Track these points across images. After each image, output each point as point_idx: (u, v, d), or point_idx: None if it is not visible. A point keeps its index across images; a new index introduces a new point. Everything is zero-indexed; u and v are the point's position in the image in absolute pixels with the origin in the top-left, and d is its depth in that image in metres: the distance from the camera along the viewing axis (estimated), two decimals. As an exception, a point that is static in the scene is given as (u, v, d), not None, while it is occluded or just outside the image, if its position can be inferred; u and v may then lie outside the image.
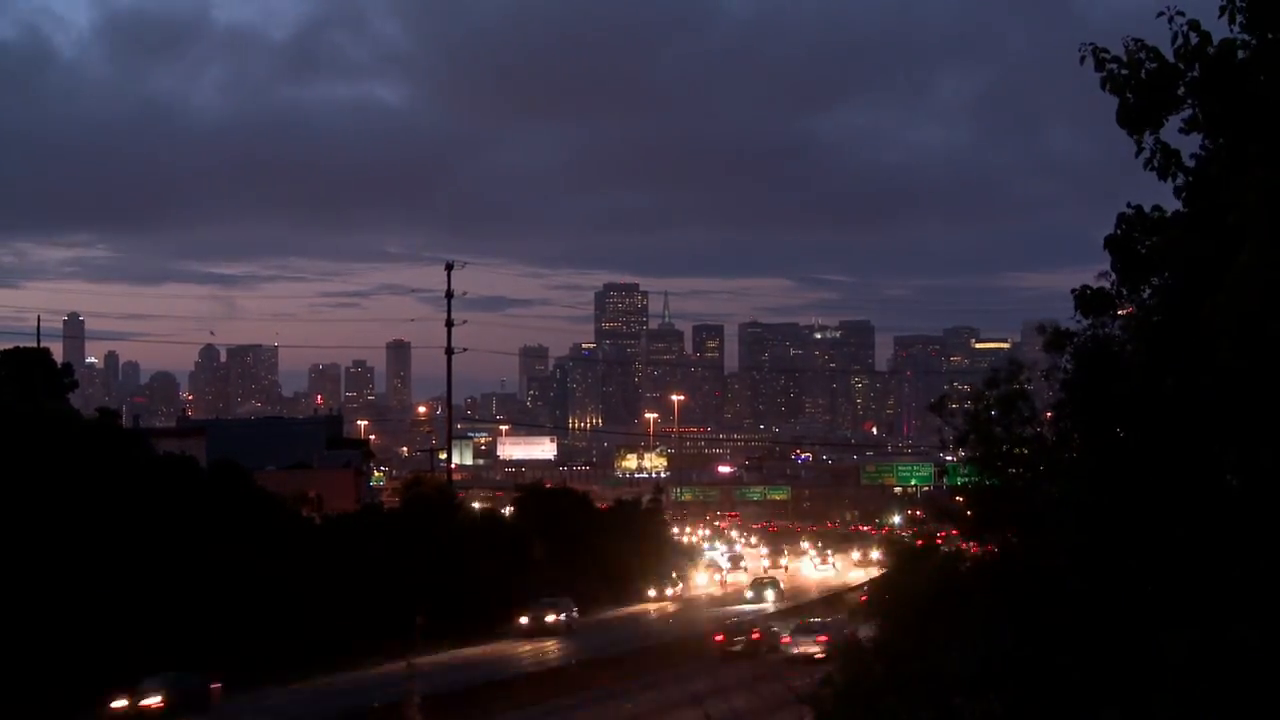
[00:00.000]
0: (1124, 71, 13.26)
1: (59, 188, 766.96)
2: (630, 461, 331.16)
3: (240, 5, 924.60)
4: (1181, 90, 13.17)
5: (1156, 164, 13.38)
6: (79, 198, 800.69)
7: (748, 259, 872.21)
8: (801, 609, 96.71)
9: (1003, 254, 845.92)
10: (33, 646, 58.00)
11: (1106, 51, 13.36)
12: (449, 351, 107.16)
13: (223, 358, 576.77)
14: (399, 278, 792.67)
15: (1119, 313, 15.25)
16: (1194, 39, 12.98)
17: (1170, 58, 13.15)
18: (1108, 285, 14.67)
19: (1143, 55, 13.19)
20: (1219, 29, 13.10)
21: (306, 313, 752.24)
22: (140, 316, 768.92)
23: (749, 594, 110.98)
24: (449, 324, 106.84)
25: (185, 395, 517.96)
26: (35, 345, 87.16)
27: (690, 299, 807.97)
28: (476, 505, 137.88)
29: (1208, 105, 13.10)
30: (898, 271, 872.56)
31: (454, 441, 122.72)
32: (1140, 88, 13.19)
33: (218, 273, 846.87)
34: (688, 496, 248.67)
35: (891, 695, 21.50)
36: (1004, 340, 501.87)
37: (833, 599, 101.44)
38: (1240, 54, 13.01)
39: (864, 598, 58.95)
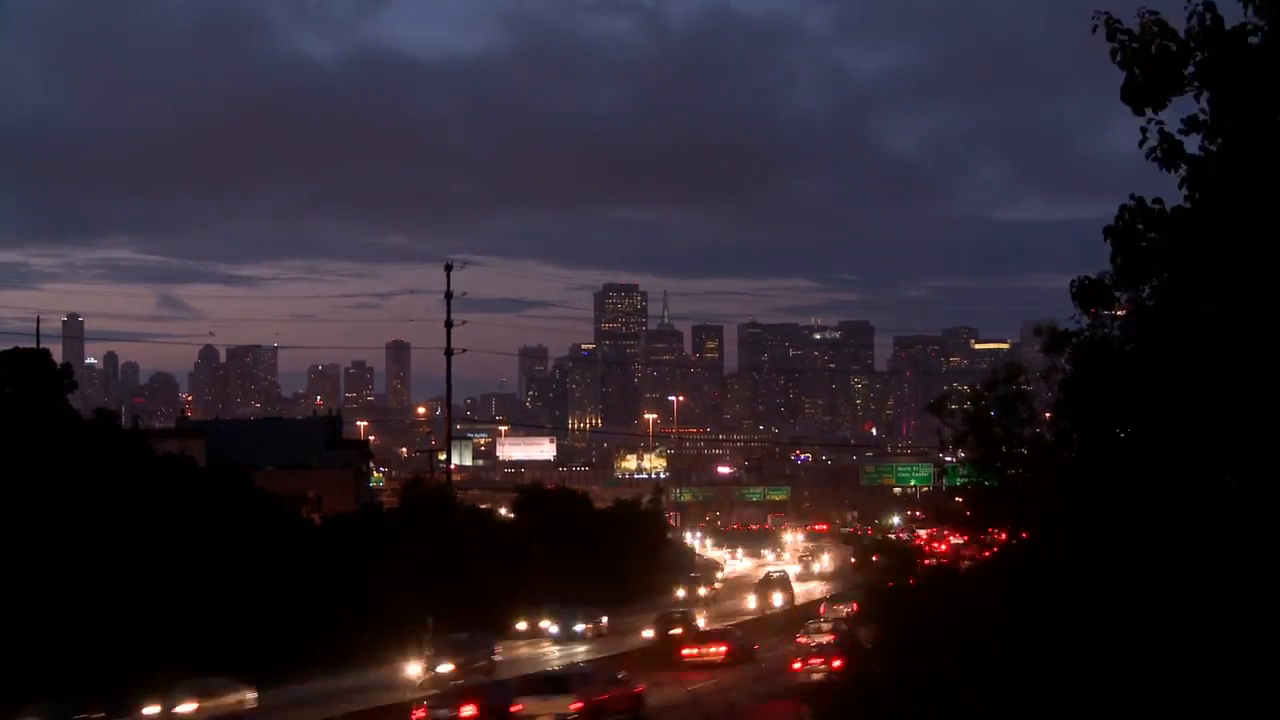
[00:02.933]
0: (1135, 45, 13.13)
1: (91, 189, 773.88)
2: (630, 462, 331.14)
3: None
4: (1190, 71, 13.07)
5: (1160, 155, 13.31)
6: (109, 200, 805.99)
7: (767, 259, 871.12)
8: None
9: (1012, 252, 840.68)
10: (31, 646, 57.98)
11: (1119, 22, 13.23)
12: (448, 352, 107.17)
13: (222, 358, 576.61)
14: (425, 278, 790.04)
15: (1118, 312, 15.21)
16: (1208, 20, 12.87)
17: (1183, 37, 13.04)
18: (1106, 279, 14.60)
19: (1156, 29, 13.05)
20: (1233, 14, 13.01)
21: (328, 314, 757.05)
22: (162, 318, 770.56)
23: None
24: (448, 324, 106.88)
25: (184, 396, 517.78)
26: (35, 346, 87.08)
27: (709, 300, 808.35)
28: (482, 506, 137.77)
29: (1215, 88, 13.00)
30: (916, 271, 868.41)
31: (453, 442, 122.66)
32: (1149, 64, 13.06)
33: (241, 274, 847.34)
34: (687, 497, 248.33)
35: (891, 695, 21.50)
36: (1003, 341, 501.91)
37: None
38: (1252, 40, 12.93)
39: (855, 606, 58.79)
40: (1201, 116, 13.24)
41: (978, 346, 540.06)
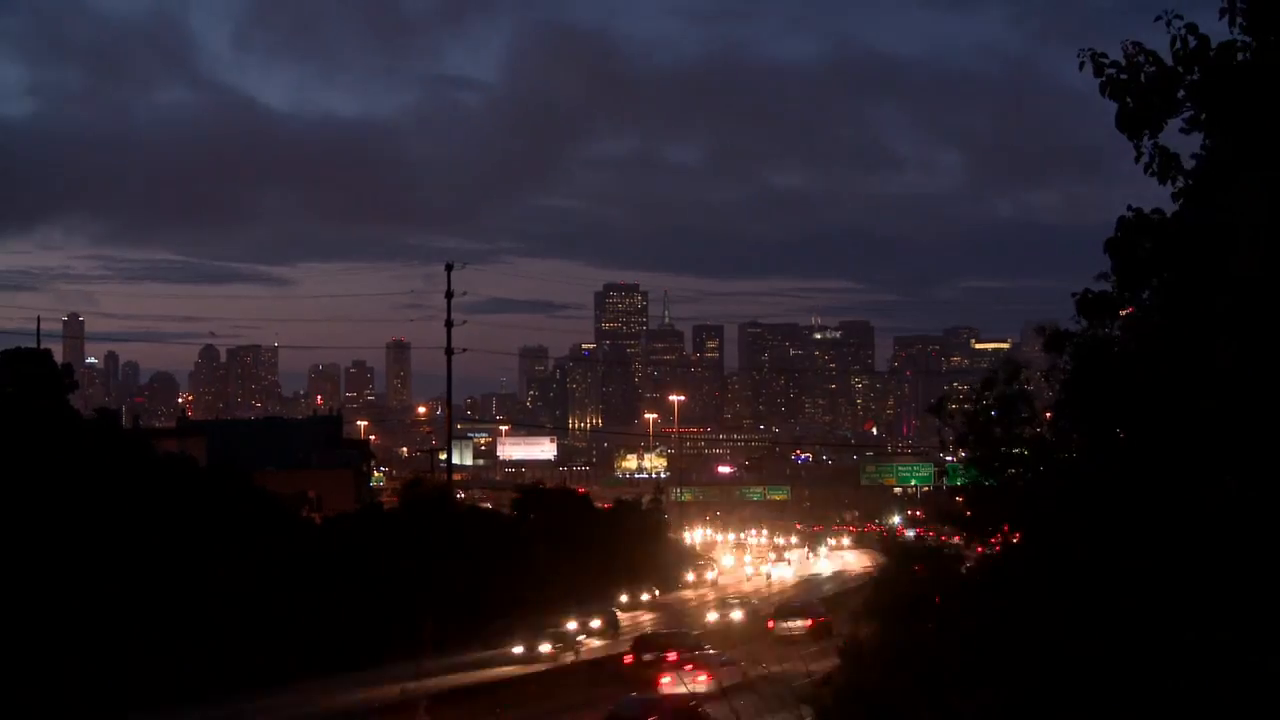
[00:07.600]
0: (1123, 76, 13.28)
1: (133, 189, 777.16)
2: (630, 462, 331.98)
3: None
4: (1182, 94, 13.19)
5: (1155, 168, 13.40)
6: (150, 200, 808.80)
7: (802, 261, 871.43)
8: None
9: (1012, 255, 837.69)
10: (31, 648, 57.97)
11: (1105, 56, 13.40)
12: (449, 352, 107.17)
13: (222, 358, 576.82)
14: (459, 279, 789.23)
15: (1120, 313, 15.26)
16: (1193, 42, 13.01)
17: (1169, 61, 13.18)
18: (1108, 287, 14.69)
19: (1141, 59, 13.21)
20: (1217, 31, 13.13)
21: (363, 314, 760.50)
22: (197, 319, 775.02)
23: None
24: (449, 324, 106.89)
25: (185, 396, 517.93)
26: (35, 346, 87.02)
27: (748, 303, 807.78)
28: (486, 505, 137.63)
29: (1209, 107, 13.13)
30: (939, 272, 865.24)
31: (454, 442, 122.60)
32: (1140, 92, 13.21)
33: (273, 274, 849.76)
34: (688, 497, 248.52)
35: (891, 695, 21.50)
36: (1004, 341, 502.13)
37: None
38: (1241, 56, 13.03)
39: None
40: (1201, 116, 13.33)
41: (978, 346, 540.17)
